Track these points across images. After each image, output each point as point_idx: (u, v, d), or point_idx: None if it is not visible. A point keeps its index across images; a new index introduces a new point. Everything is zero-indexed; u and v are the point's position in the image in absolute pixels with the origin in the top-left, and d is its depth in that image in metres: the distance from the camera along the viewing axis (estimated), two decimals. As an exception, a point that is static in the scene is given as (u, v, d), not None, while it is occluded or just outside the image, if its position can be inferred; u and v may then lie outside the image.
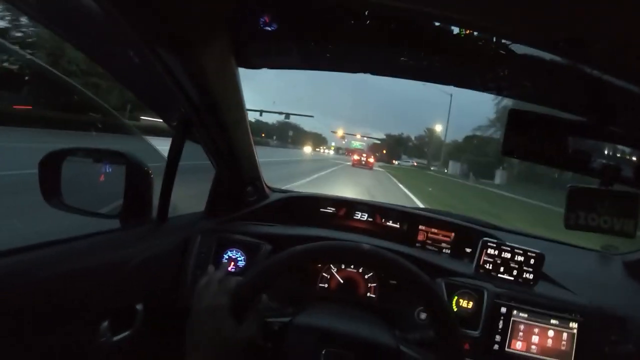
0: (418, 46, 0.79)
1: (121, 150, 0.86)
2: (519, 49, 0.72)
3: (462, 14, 0.53)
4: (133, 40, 0.65)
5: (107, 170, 0.95)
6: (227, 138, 0.95)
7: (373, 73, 0.91)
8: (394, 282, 1.01)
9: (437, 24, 0.72)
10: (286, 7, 0.71)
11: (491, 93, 0.94)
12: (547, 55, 0.69)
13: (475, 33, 0.73)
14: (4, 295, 0.58)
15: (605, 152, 0.74)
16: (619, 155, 0.74)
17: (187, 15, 0.62)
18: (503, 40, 0.71)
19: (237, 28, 0.71)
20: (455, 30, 0.72)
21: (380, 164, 35.63)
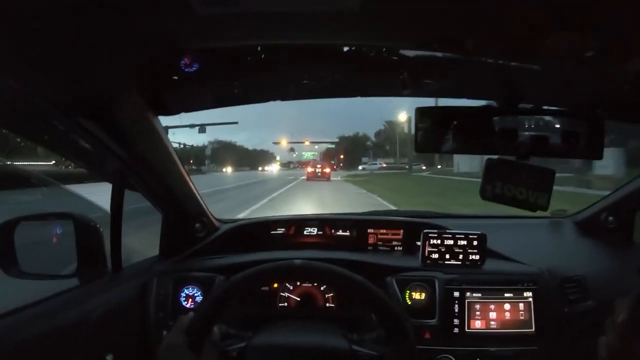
0: (319, 67, 0.93)
1: (67, 211, 1.00)
2: (410, 52, 0.84)
3: (349, 38, 0.70)
4: (51, 112, 0.75)
5: (58, 232, 1.10)
6: (163, 182, 1.09)
7: (283, 99, 1.08)
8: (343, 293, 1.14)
9: (328, 44, 0.83)
10: (193, 56, 0.81)
11: (398, 96, 1.09)
12: (435, 53, 0.81)
13: (364, 48, 0.86)
14: None
15: (518, 129, 0.82)
16: (530, 130, 0.84)
17: (96, 80, 0.73)
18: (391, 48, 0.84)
19: (149, 83, 0.84)
20: (346, 48, 0.85)
21: (341, 172, 33.37)
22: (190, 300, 1.14)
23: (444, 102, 0.98)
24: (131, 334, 1.06)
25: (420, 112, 0.81)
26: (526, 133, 0.82)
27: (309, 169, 24.28)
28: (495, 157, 0.79)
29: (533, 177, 0.78)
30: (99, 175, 1.08)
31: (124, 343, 1.03)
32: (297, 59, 0.88)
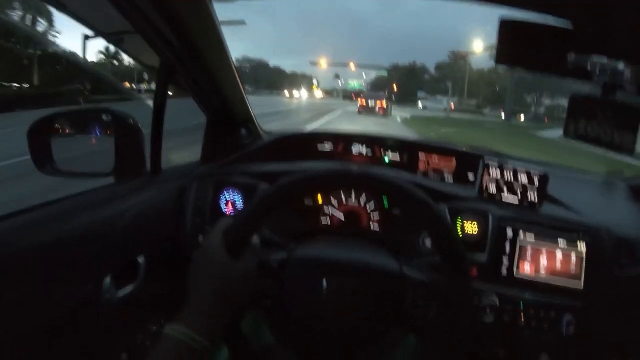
0: None
1: (106, 107, 1.07)
2: None
3: None
4: None
5: (97, 132, 1.20)
6: (213, 80, 1.13)
7: None
8: (397, 212, 1.19)
9: None
10: None
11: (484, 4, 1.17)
12: None
13: None
14: (3, 259, 0.70)
15: (606, 61, 0.79)
16: (621, 65, 0.79)
17: None
18: None
19: None
20: None
21: (394, 109, 28.30)
22: (230, 205, 1.21)
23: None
24: (166, 238, 1.15)
25: (506, 25, 0.76)
26: (616, 67, 0.77)
27: (361, 102, 22.45)
28: (580, 93, 0.78)
29: (619, 114, 0.77)
30: (146, 67, 1.12)
31: (157, 247, 1.11)
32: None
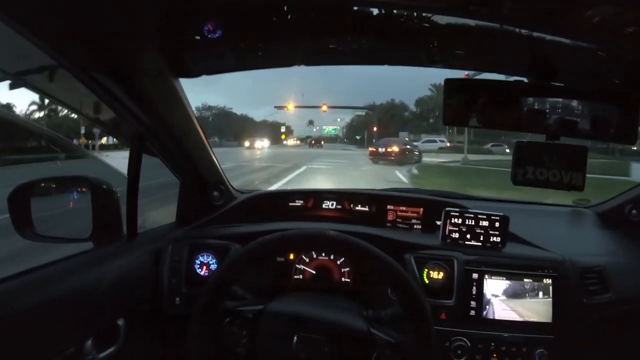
0: (344, 32, 1.05)
1: (83, 175, 1.20)
2: (441, 19, 0.94)
3: None
4: (71, 70, 0.90)
5: (75, 197, 1.28)
6: (182, 147, 1.28)
7: (308, 64, 1.23)
8: (361, 272, 1.33)
9: (355, 8, 0.95)
10: (215, 14, 0.97)
11: (428, 66, 1.22)
12: (470, 21, 0.92)
13: (395, 11, 0.96)
14: None
15: (548, 108, 0.97)
16: (561, 109, 0.97)
17: (116, 36, 0.86)
18: (423, 14, 0.94)
19: (169, 42, 0.99)
20: (375, 11, 0.95)
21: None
22: (204, 267, 1.35)
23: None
24: (143, 300, 1.26)
25: (450, 84, 0.97)
26: (556, 112, 0.96)
27: (371, 148, 20.15)
28: (524, 140, 0.94)
29: (565, 156, 0.93)
30: (117, 137, 1.28)
31: (135, 309, 1.22)
32: (324, 22, 1.00)
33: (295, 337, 0.98)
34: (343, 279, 1.37)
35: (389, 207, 1.59)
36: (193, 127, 1.28)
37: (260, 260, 1.09)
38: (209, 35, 1.01)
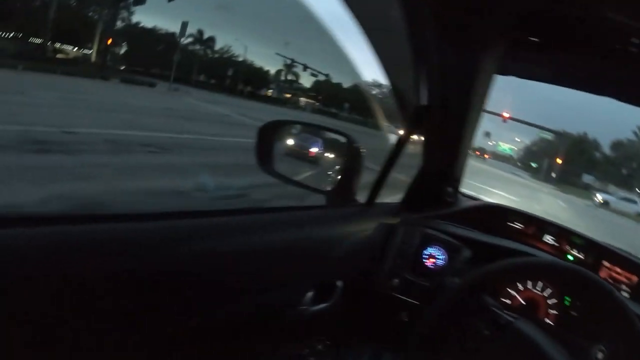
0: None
1: (345, 132, 1.29)
2: None
3: None
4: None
5: (317, 149, 1.44)
6: (456, 135, 1.31)
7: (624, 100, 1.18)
8: (575, 313, 1.24)
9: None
10: (551, 22, 0.97)
11: None
12: None
13: None
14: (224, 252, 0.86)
15: None
16: None
17: (476, 15, 0.91)
18: None
19: (507, 36, 1.00)
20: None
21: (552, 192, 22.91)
22: (431, 259, 1.37)
23: None
24: (363, 270, 1.33)
25: None
26: None
27: None
28: None
29: None
30: (400, 108, 1.33)
31: (354, 275, 1.30)
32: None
33: None
34: (546, 320, 1.30)
35: (604, 262, 1.48)
36: (477, 120, 1.30)
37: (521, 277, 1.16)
38: (539, 40, 1.02)
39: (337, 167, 1.37)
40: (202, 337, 0.84)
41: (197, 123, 9.89)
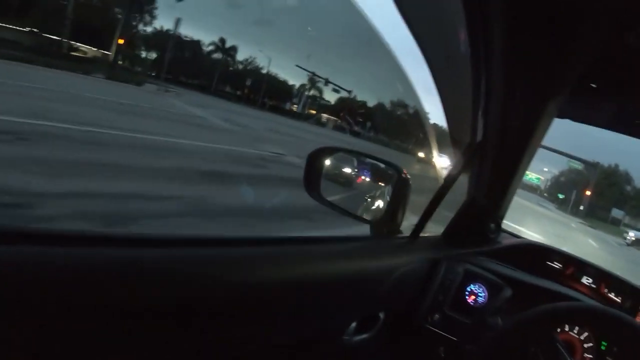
0: None
1: (397, 164, 1.32)
2: None
3: None
4: (475, 57, 1.00)
5: (365, 176, 1.47)
6: (508, 173, 1.34)
7: None
8: (610, 359, 1.24)
9: None
10: (612, 67, 0.99)
11: None
12: None
13: None
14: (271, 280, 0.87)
15: None
16: None
17: (547, 58, 0.94)
18: None
19: (572, 80, 1.02)
20: None
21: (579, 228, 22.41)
22: (472, 296, 1.39)
23: None
24: (405, 302, 1.35)
25: None
26: None
27: None
28: None
29: None
30: (453, 142, 1.37)
31: (395, 308, 1.32)
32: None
33: None
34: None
35: None
36: (530, 159, 1.32)
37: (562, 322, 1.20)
38: (596, 86, 1.05)
39: (380, 195, 1.42)
40: None
41: (157, 122, 9.55)
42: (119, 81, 14.25)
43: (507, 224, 1.67)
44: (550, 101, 1.07)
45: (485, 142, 1.25)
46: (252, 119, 17.07)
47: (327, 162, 1.35)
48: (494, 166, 1.32)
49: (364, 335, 1.20)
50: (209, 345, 0.77)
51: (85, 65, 13.93)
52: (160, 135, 7.76)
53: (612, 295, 1.53)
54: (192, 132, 9.38)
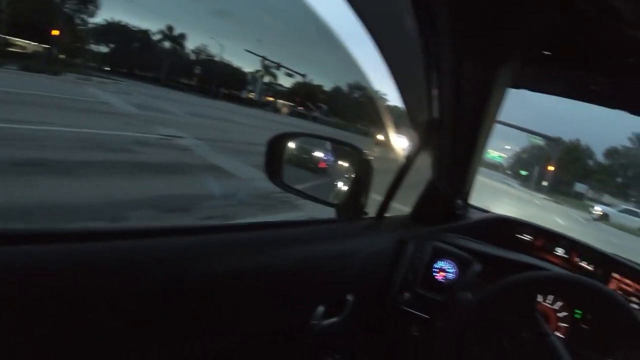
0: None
1: (356, 145, 1.32)
2: None
3: None
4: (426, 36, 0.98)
5: (328, 159, 1.46)
6: (468, 148, 1.34)
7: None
8: (585, 326, 1.26)
9: None
10: (564, 36, 1.00)
11: None
12: None
13: None
14: (233, 268, 0.85)
15: None
16: None
17: (493, 29, 0.92)
18: None
19: (522, 50, 1.02)
20: None
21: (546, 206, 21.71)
22: (442, 273, 1.41)
23: None
24: (373, 284, 1.36)
25: None
26: None
27: None
28: None
29: None
30: (411, 120, 1.36)
31: (364, 290, 1.32)
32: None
33: None
34: (557, 333, 1.30)
35: (614, 275, 1.52)
36: (489, 133, 1.33)
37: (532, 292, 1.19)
38: (551, 54, 1.04)
39: (346, 179, 1.40)
40: (211, 355, 0.84)
41: (48, 110, 8.43)
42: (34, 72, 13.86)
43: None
44: (501, 70, 1.07)
45: (442, 118, 1.25)
46: (181, 105, 16.48)
47: (290, 147, 1.33)
48: (453, 142, 1.33)
49: (334, 319, 1.20)
50: (176, 336, 0.76)
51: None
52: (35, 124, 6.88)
53: (584, 264, 1.57)
54: (84, 120, 8.49)
